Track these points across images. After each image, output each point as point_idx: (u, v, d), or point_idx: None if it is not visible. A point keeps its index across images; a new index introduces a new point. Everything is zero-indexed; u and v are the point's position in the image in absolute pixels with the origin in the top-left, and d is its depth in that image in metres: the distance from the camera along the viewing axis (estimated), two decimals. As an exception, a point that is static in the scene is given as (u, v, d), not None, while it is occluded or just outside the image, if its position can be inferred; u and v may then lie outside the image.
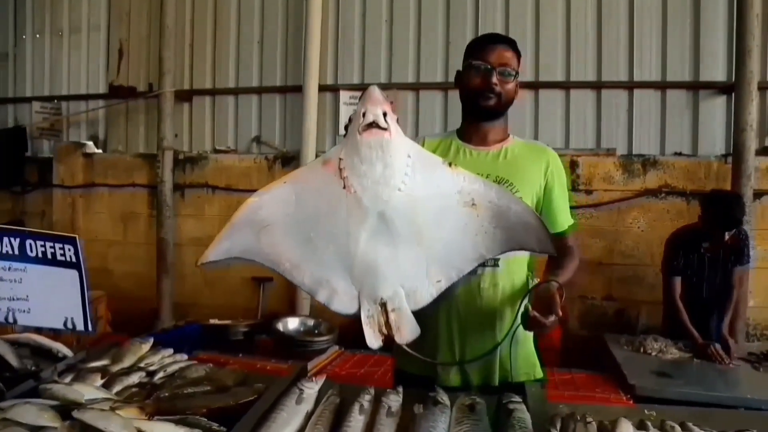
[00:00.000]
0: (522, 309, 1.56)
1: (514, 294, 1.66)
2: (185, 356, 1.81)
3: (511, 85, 1.66)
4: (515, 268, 1.68)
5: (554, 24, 4.35)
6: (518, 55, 1.69)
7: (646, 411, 1.49)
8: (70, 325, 1.82)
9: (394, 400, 1.42)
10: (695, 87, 4.19)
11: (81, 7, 5.42)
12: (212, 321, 3.23)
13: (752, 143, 3.79)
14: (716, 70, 4.16)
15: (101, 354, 1.71)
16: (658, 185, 4.11)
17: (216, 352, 3.00)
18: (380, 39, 4.65)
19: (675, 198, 4.09)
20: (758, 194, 3.85)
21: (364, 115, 1.21)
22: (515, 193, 1.61)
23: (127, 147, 5.33)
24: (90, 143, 5.32)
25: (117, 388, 1.48)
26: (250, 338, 3.13)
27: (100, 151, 5.35)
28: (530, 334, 1.69)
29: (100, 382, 1.50)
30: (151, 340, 1.83)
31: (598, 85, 4.31)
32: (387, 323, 1.35)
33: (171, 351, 1.80)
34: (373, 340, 1.35)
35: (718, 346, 3.00)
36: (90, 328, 1.83)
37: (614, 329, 3.78)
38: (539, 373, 1.73)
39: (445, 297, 1.41)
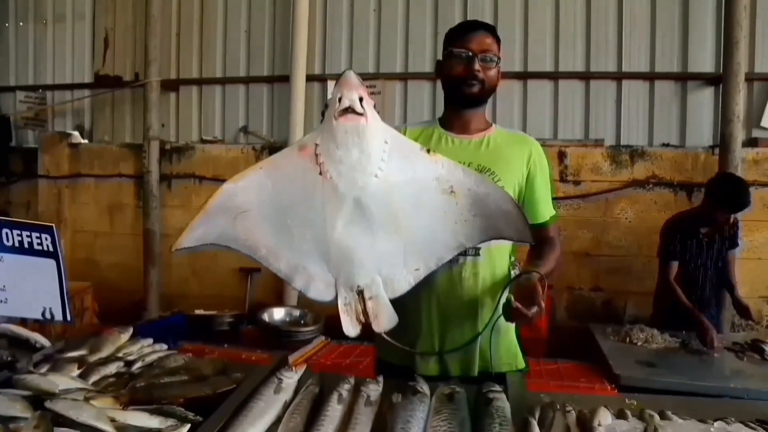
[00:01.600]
0: (503, 299, 1.56)
1: (495, 284, 1.65)
2: (165, 346, 1.79)
3: (493, 72, 1.65)
4: (497, 258, 1.67)
5: (543, 14, 4.34)
6: (498, 40, 1.67)
7: (627, 400, 1.49)
8: (48, 315, 1.79)
9: (374, 390, 1.41)
10: (683, 78, 4.19)
11: (65, -5, 5.33)
12: (197, 312, 3.21)
13: (739, 134, 3.80)
14: (704, 61, 4.17)
15: (79, 344, 1.68)
16: (645, 176, 4.11)
17: (200, 342, 3.00)
18: (368, 29, 4.62)
19: (663, 189, 4.09)
20: (746, 185, 3.86)
21: (340, 100, 1.20)
22: (497, 182, 1.60)
23: (113, 137, 5.27)
24: (75, 133, 5.25)
25: (94, 378, 1.46)
26: (236, 329, 3.12)
27: (85, 141, 5.28)
28: (512, 325, 1.68)
29: (76, 372, 1.48)
30: (131, 329, 1.80)
31: (586, 76, 4.30)
32: (364, 311, 1.34)
33: (151, 341, 1.78)
34: (350, 328, 1.35)
35: (718, 334, 3.03)
36: (69, 318, 1.80)
37: (602, 320, 3.78)
38: (521, 363, 1.72)
39: (424, 285, 1.41)
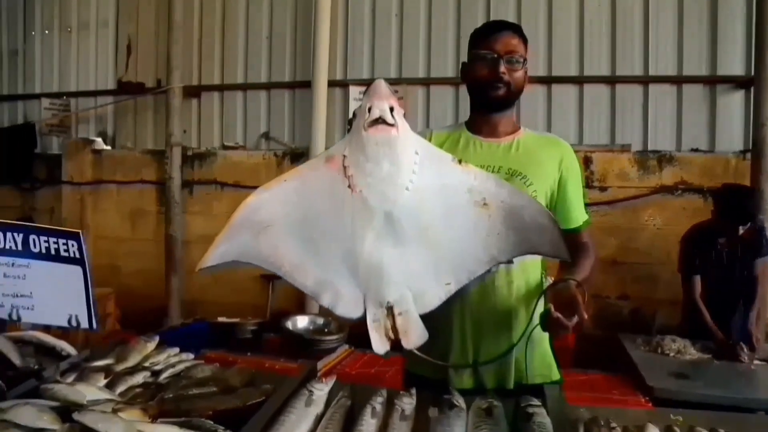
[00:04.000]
0: (539, 309, 1.51)
1: (529, 292, 1.60)
2: (191, 355, 1.76)
3: (519, 73, 1.60)
4: (530, 266, 1.62)
5: (568, 17, 4.27)
6: (525, 41, 1.62)
7: (672, 416, 1.43)
8: (74, 323, 1.77)
9: (408, 403, 1.37)
10: (713, 81, 4.10)
11: (90, 3, 5.38)
12: (220, 319, 3.19)
13: (773, 138, 3.69)
14: (735, 64, 4.07)
15: (105, 353, 1.66)
16: (674, 182, 4.02)
17: (224, 350, 2.96)
18: (390, 34, 4.59)
19: (692, 195, 4.00)
20: (778, 191, 3.75)
21: (369, 110, 1.16)
22: (528, 186, 1.56)
23: (136, 143, 5.29)
24: (98, 140, 5.29)
25: (121, 388, 1.44)
26: (259, 337, 3.08)
27: (108, 147, 5.31)
28: (546, 335, 1.62)
29: (103, 382, 1.46)
30: (157, 338, 1.78)
31: (612, 80, 4.23)
32: (394, 327, 1.29)
33: (177, 350, 1.76)
34: (380, 345, 1.29)
35: (742, 344, 2.92)
36: (95, 326, 1.77)
37: (629, 329, 3.69)
38: (556, 375, 1.66)
39: (455, 296, 1.34)
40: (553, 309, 1.35)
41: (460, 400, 1.36)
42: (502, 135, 1.66)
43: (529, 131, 1.71)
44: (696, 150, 4.10)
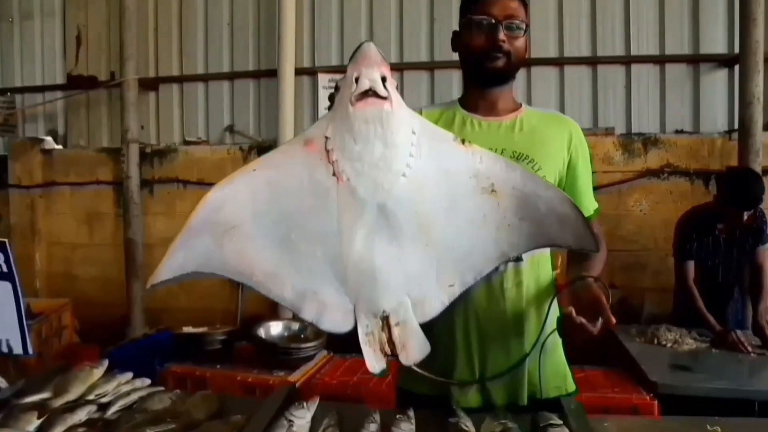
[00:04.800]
0: (555, 311, 1.33)
1: (539, 293, 1.41)
2: (147, 381, 1.50)
3: (520, 41, 1.40)
4: (541, 263, 1.43)
5: (545, -2, 4.09)
6: (525, 3, 1.41)
7: (708, 426, 1.28)
8: (5, 348, 1.51)
9: (406, 428, 1.20)
10: (695, 60, 3.98)
11: (33, -9, 5.00)
12: (186, 329, 2.92)
13: (759, 117, 3.59)
14: (717, 42, 3.96)
15: (41, 384, 1.39)
16: (659, 165, 3.90)
17: (191, 363, 2.73)
18: (360, 17, 4.34)
19: (678, 178, 3.88)
20: (767, 171, 3.65)
21: (357, 80, 0.96)
22: (537, 171, 1.37)
23: (89, 141, 4.94)
24: (48, 138, 4.93)
25: (59, 429, 1.19)
26: (229, 346, 2.83)
27: (59, 146, 4.96)
28: (559, 341, 1.44)
29: (35, 424, 1.19)
30: (105, 363, 1.52)
31: (593, 61, 4.07)
32: (390, 340, 1.10)
33: (130, 375, 1.49)
34: (375, 362, 1.10)
35: (739, 332, 2.81)
36: (30, 351, 1.52)
37: (618, 319, 3.52)
38: (571, 386, 1.47)
39: (458, 300, 1.16)
40: (574, 312, 1.17)
41: (468, 423, 1.21)
42: (502, 113, 1.46)
43: (531, 108, 1.51)
44: (681, 131, 3.99)
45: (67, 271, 4.74)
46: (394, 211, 1.05)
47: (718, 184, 3.09)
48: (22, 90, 5.05)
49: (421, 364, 1.14)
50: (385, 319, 1.10)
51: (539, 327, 1.36)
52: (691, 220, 3.12)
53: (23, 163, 4.84)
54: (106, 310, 4.35)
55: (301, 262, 1.07)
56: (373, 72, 0.96)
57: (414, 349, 1.11)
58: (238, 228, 1.04)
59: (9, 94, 5.04)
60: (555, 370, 1.44)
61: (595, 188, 1.55)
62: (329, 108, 1.06)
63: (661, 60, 4.02)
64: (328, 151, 1.02)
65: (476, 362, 1.37)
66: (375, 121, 0.97)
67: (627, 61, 4.05)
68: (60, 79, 4.99)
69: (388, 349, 1.10)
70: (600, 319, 1.18)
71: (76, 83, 4.89)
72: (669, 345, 2.91)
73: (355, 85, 0.96)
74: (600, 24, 4.06)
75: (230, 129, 4.63)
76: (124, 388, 1.41)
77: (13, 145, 4.93)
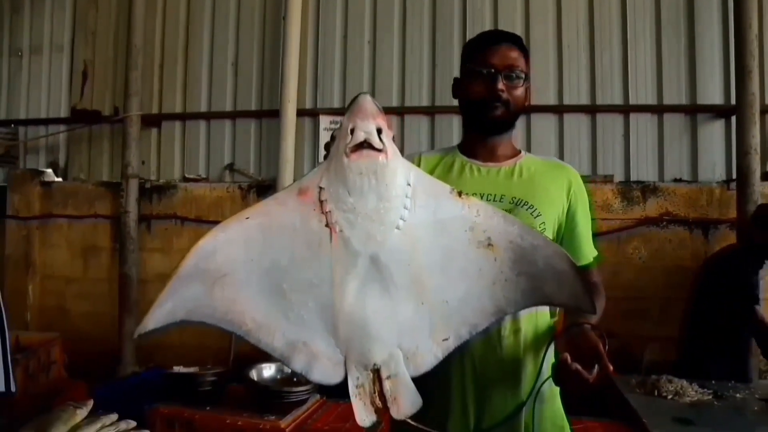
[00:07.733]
0: (549, 358, 1.31)
1: (537, 339, 1.39)
2: (132, 423, 1.46)
3: (520, 91, 1.41)
4: (539, 310, 1.41)
5: (545, 46, 4.17)
6: (525, 53, 1.44)
7: None
8: (-13, 389, 1.46)
9: None
10: (693, 110, 4.03)
11: (43, 26, 5.08)
12: (176, 369, 2.85)
13: (757, 167, 3.61)
14: (713, 93, 4.02)
15: (20, 425, 1.35)
16: (658, 213, 3.90)
17: (180, 404, 2.66)
18: (362, 61, 4.41)
19: (677, 227, 3.88)
20: (766, 222, 3.65)
21: (352, 132, 0.96)
22: (536, 217, 1.36)
23: (90, 175, 4.94)
24: (49, 171, 4.94)
25: (36, 478, 1.14)
26: (220, 387, 2.76)
27: (59, 179, 4.96)
28: (557, 389, 1.40)
29: (11, 472, 1.15)
30: (90, 403, 1.47)
31: (592, 109, 4.12)
32: (381, 393, 1.08)
33: (115, 417, 1.45)
34: (364, 415, 1.08)
35: None
36: (13, 388, 1.47)
37: (617, 368, 3.47)
38: (568, 436, 1.43)
39: (453, 356, 1.13)
40: (569, 359, 1.14)
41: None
42: (501, 159, 1.47)
43: (530, 155, 1.52)
44: (679, 180, 4.01)
45: (60, 305, 4.67)
46: (387, 264, 1.04)
47: (755, 222, 3.03)
48: (26, 122, 5.09)
49: (415, 414, 1.11)
50: (376, 372, 1.08)
51: (535, 375, 1.34)
52: (745, 260, 3.03)
53: (22, 195, 4.83)
54: (98, 346, 4.27)
55: (292, 312, 1.06)
56: (369, 124, 0.96)
57: (405, 403, 1.09)
58: (229, 276, 1.03)
59: (12, 125, 5.08)
60: (552, 420, 1.41)
61: (595, 235, 1.54)
62: (326, 157, 1.05)
63: (659, 109, 4.07)
64: (321, 202, 1.02)
65: (471, 412, 1.34)
66: (369, 173, 0.97)
67: (625, 109, 4.10)
68: (64, 113, 5.03)
69: (378, 402, 1.08)
70: (596, 366, 1.15)
71: (80, 117, 4.93)
72: (670, 397, 2.84)
73: (350, 136, 0.96)
74: (599, 73, 4.13)
75: (230, 167, 4.63)
76: (108, 430, 1.36)
77: (12, 175, 4.93)
